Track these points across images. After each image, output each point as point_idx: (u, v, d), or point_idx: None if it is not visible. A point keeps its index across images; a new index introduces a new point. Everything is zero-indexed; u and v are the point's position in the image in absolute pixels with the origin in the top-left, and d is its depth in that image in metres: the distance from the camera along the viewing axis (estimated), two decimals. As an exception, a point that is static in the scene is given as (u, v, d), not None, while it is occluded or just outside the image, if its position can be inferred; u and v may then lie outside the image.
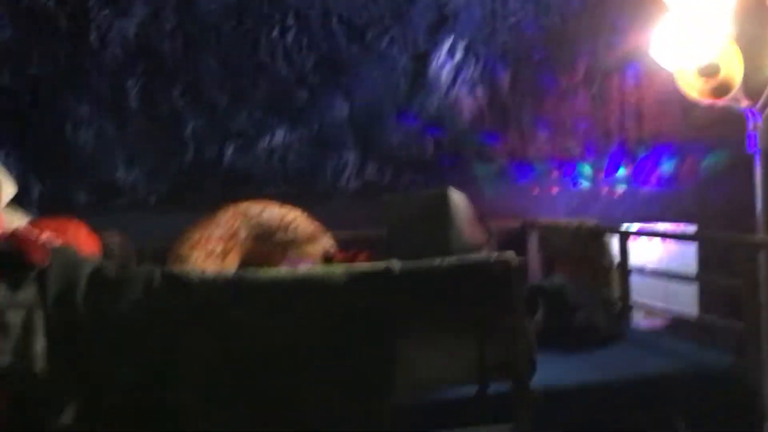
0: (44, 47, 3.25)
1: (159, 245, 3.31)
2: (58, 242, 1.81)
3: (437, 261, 1.92)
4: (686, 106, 3.58)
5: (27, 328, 1.58)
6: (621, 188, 3.87)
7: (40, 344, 1.57)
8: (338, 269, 1.85)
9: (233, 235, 3.25)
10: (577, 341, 2.50)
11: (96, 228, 3.06)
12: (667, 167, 3.86)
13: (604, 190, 3.86)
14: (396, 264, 1.89)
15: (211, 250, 3.20)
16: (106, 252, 2.98)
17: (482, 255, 1.98)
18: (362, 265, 2.00)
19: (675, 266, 3.38)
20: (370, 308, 1.85)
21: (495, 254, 1.95)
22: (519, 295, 1.93)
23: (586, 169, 3.84)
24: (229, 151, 3.45)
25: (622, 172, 3.85)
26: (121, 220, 3.34)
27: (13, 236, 1.64)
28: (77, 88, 3.30)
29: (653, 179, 3.88)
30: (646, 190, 3.87)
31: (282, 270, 1.89)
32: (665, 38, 3.25)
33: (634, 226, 3.61)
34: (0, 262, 1.61)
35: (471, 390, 1.95)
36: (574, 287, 2.78)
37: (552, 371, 2.21)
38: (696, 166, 3.86)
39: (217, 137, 3.44)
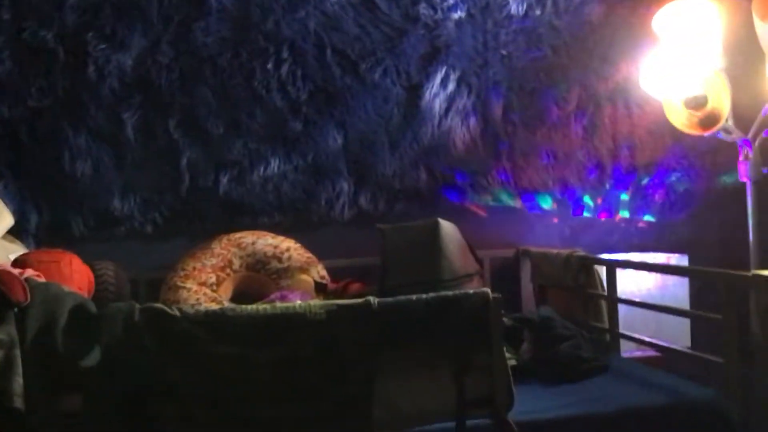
0: (43, 80, 3.31)
1: (154, 275, 3.37)
2: (40, 279, 1.85)
3: (415, 297, 1.94)
4: (678, 134, 3.61)
5: (6, 367, 1.61)
6: (615, 218, 3.89)
7: (18, 383, 1.60)
8: (317, 304, 1.87)
9: (226, 265, 3.31)
10: (561, 373, 2.51)
11: (93, 257, 3.12)
12: (660, 197, 3.88)
13: (599, 219, 3.88)
14: (374, 299, 1.91)
15: (204, 280, 3.25)
16: (100, 282, 3.03)
17: (461, 290, 1.97)
18: (341, 301, 2.03)
19: (669, 296, 3.41)
20: (349, 343, 1.88)
21: (473, 289, 1.96)
22: (497, 329, 1.95)
23: (581, 198, 3.86)
24: (224, 180, 3.50)
25: (616, 201, 3.87)
26: (118, 249, 3.41)
27: (-5, 274, 1.68)
28: (75, 120, 3.36)
29: (647, 209, 3.89)
30: (640, 219, 3.89)
31: (261, 305, 1.90)
32: (654, 69, 3.30)
33: (627, 257, 3.64)
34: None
35: (450, 425, 1.95)
36: (560, 319, 2.80)
37: (534, 403, 2.23)
38: (690, 196, 3.88)
39: (213, 167, 3.49)
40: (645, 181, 3.87)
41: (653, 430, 2.17)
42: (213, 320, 1.83)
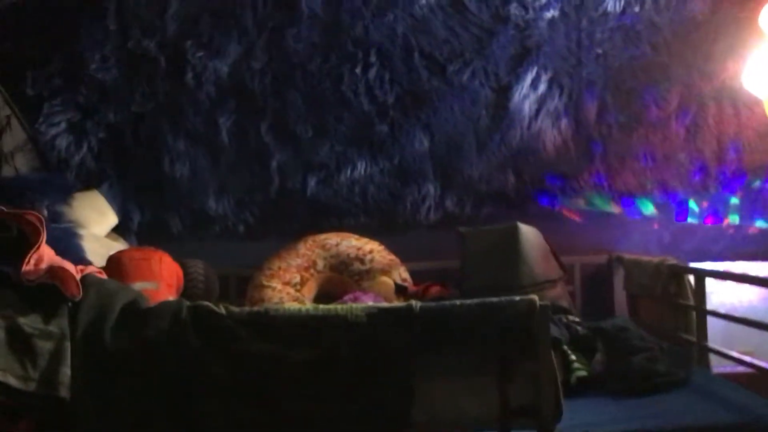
0: (146, 86, 3.49)
1: (244, 273, 3.50)
2: (101, 276, 1.97)
3: (459, 302, 1.92)
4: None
5: (55, 357, 1.73)
6: (723, 223, 3.66)
7: (65, 374, 1.71)
8: (359, 307, 1.89)
9: (311, 266, 3.38)
10: (633, 386, 2.39)
11: (188, 255, 3.28)
12: (768, 203, 3.63)
13: (703, 225, 3.67)
14: (416, 303, 1.90)
15: (289, 280, 3.34)
16: (189, 279, 3.18)
17: (511, 296, 1.92)
18: (383, 304, 2.03)
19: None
20: (390, 346, 1.88)
21: (520, 296, 1.91)
22: (544, 337, 1.89)
23: (682, 203, 3.66)
24: (312, 182, 3.58)
25: (723, 205, 3.65)
26: (212, 248, 3.56)
27: (52, 270, 1.80)
28: (174, 124, 3.53)
29: (758, 214, 3.64)
30: (750, 225, 3.64)
31: (303, 306, 1.94)
32: (758, 66, 3.08)
33: (733, 266, 3.42)
34: (38, 294, 1.78)
35: (493, 433, 1.91)
36: (636, 329, 2.67)
37: (592, 417, 2.14)
38: (804, 201, 3.60)
39: (301, 169, 3.58)
40: (756, 185, 3.62)
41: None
42: (256, 319, 1.88)
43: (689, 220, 3.68)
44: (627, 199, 3.66)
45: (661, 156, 3.62)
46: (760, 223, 3.67)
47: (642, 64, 3.56)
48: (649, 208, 3.68)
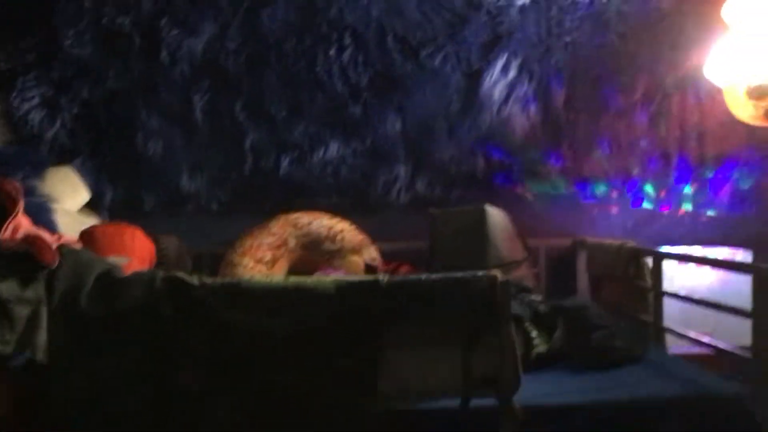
0: (120, 63, 3.52)
1: (217, 250, 3.54)
2: (76, 246, 2.01)
3: (424, 276, 1.99)
4: (752, 126, 3.46)
5: (32, 323, 1.77)
6: (680, 210, 3.78)
7: (42, 338, 1.76)
8: (328, 279, 1.95)
9: (282, 244, 3.43)
10: (590, 361, 2.49)
11: (161, 232, 3.31)
12: (728, 190, 3.74)
13: (663, 211, 3.78)
14: (384, 276, 1.97)
15: (261, 258, 3.38)
16: (162, 255, 3.22)
17: (471, 272, 2.00)
18: (351, 277, 2.09)
19: (731, 293, 3.29)
20: (357, 318, 1.95)
21: (483, 272, 1.99)
22: (505, 311, 1.97)
23: (644, 189, 3.77)
24: (286, 162, 3.62)
25: (682, 193, 3.76)
26: (185, 225, 3.58)
27: (28, 238, 1.84)
28: (149, 102, 3.56)
29: (715, 202, 3.76)
30: (707, 213, 3.76)
31: (274, 278, 2.00)
32: (719, 57, 3.18)
33: (691, 251, 3.54)
34: (14, 261, 1.82)
35: (455, 402, 1.99)
36: (596, 308, 2.77)
37: (550, 389, 2.23)
38: (760, 190, 3.72)
39: (275, 149, 3.62)
40: (711, 174, 3.73)
41: (666, 420, 2.13)
42: (228, 290, 1.94)
43: (646, 205, 3.78)
44: (590, 184, 3.76)
45: (625, 143, 3.72)
46: (711, 212, 3.77)
47: (609, 52, 3.65)
48: (609, 194, 3.77)
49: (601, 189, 3.76)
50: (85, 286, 1.86)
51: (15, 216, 1.85)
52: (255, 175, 3.64)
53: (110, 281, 1.91)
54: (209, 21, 3.54)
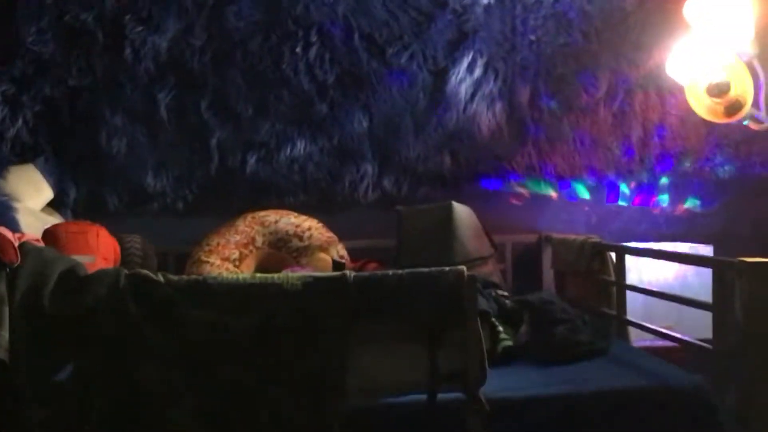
0: (83, 61, 3.47)
1: (183, 249, 3.51)
2: (38, 244, 1.99)
3: (390, 272, 2.00)
4: (712, 123, 3.53)
5: (-6, 320, 1.75)
6: (644, 206, 3.84)
7: (4, 337, 1.74)
8: (294, 275, 1.95)
9: (249, 242, 3.42)
10: (555, 355, 2.52)
11: (126, 231, 3.29)
12: (692, 186, 3.81)
13: (627, 207, 3.84)
14: (350, 273, 1.98)
15: (228, 256, 3.37)
16: (127, 254, 3.19)
17: (438, 268, 2.02)
18: (317, 273, 2.09)
19: (690, 287, 3.35)
20: (324, 314, 1.95)
21: (449, 268, 2.01)
22: (471, 306, 1.99)
23: (608, 185, 3.82)
24: (252, 160, 3.61)
25: (648, 189, 3.82)
26: (150, 225, 3.56)
27: (-11, 236, 1.82)
28: (112, 99, 3.52)
29: (678, 198, 3.83)
30: (668, 208, 3.83)
31: (241, 274, 2.00)
32: (680, 56, 3.24)
33: (654, 246, 3.59)
34: (-25, 260, 1.80)
35: (423, 397, 2.01)
36: (560, 303, 2.80)
37: (516, 382, 2.26)
38: (722, 186, 3.80)
39: (241, 147, 3.60)
40: (673, 170, 3.80)
41: (628, 411, 2.17)
42: (194, 287, 1.93)
43: (621, 202, 3.84)
44: (556, 181, 3.80)
45: (590, 140, 3.76)
46: (689, 203, 3.84)
47: (573, 51, 3.70)
48: (581, 191, 3.82)
49: (565, 186, 3.80)
50: (48, 285, 1.84)
51: (-25, 214, 1.83)
52: (221, 173, 3.62)
53: (74, 279, 1.89)
54: (174, 18, 3.51)
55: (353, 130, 3.64)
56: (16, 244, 1.85)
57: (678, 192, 3.83)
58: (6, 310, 1.76)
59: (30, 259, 1.87)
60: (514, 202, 3.78)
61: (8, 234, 1.85)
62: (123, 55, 3.48)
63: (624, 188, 3.85)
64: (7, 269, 1.83)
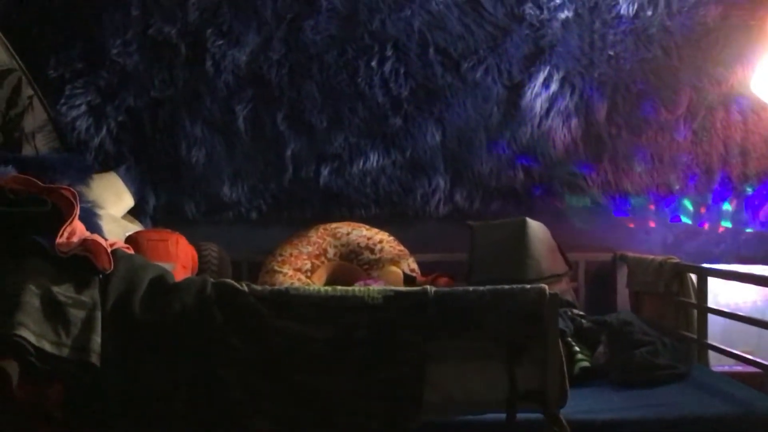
0: (165, 73, 3.57)
1: (256, 259, 3.57)
2: (129, 251, 2.05)
3: (471, 288, 1.99)
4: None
5: (87, 325, 1.80)
6: (722, 226, 3.74)
7: (96, 341, 1.79)
8: (375, 289, 1.96)
9: (321, 254, 3.45)
10: (634, 378, 2.47)
11: (202, 239, 3.36)
12: (772, 207, 3.70)
13: (704, 227, 3.74)
14: (431, 288, 1.98)
15: (300, 266, 3.41)
16: (204, 262, 3.26)
17: (519, 285, 2.00)
18: (399, 288, 2.10)
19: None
20: (404, 328, 1.95)
21: (530, 285, 1.99)
22: (553, 324, 1.97)
23: (686, 205, 3.74)
24: (325, 172, 3.65)
25: (722, 209, 3.72)
26: (225, 233, 3.63)
27: (85, 242, 1.88)
28: (192, 111, 3.60)
29: (758, 219, 3.71)
30: (749, 230, 3.71)
31: (323, 287, 2.02)
32: (766, 72, 3.16)
33: (733, 269, 3.49)
34: (71, 265, 1.86)
35: (501, 416, 1.99)
36: (640, 324, 2.74)
37: (596, 404, 2.22)
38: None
39: (315, 159, 3.64)
40: (752, 191, 3.68)
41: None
42: (277, 297, 1.96)
43: (684, 221, 3.75)
44: (632, 199, 3.73)
45: (667, 158, 3.69)
46: (753, 228, 3.72)
47: (652, 67, 3.63)
48: (649, 209, 3.74)
49: (641, 204, 3.73)
50: (139, 291, 1.89)
51: (72, 221, 1.89)
52: (295, 184, 3.67)
53: (163, 286, 1.93)
54: (253, 32, 3.58)
55: (426, 143, 3.65)
56: (109, 251, 1.90)
57: (756, 213, 3.71)
58: (99, 315, 1.82)
59: (122, 265, 1.93)
60: (589, 219, 3.72)
61: (102, 241, 1.91)
62: (204, 67, 3.57)
63: (700, 208, 3.75)
64: (100, 275, 1.88)
